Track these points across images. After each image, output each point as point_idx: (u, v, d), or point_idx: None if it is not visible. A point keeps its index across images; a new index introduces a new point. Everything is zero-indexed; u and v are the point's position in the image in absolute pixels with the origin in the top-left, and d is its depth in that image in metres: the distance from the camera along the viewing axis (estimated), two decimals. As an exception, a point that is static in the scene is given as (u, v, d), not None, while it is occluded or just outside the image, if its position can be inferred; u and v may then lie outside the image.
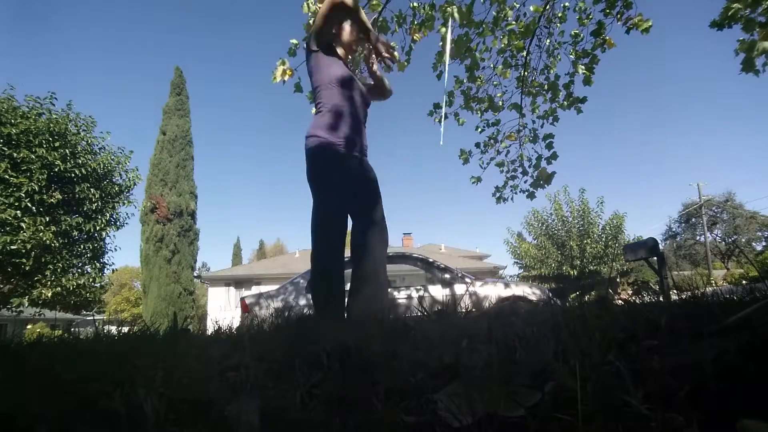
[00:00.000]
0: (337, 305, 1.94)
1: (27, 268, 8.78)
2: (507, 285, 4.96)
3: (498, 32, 4.34)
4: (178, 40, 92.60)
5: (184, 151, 19.87)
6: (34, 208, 8.78)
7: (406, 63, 4.27)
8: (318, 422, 0.59)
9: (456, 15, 3.79)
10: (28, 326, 13.26)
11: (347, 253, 2.07)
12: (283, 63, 3.72)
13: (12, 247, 8.38)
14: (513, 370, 0.62)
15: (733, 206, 33.72)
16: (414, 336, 0.95)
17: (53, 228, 9.11)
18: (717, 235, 35.25)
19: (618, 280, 17.52)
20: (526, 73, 4.61)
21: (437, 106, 4.76)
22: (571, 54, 4.34)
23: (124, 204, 11.00)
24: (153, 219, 18.45)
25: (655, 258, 3.37)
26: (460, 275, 5.14)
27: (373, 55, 2.31)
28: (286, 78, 3.76)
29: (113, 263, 11.45)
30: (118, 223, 11.02)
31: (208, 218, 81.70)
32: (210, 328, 1.81)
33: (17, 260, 8.64)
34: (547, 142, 4.60)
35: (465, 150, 4.87)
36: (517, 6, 4.28)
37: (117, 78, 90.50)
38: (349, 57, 2.36)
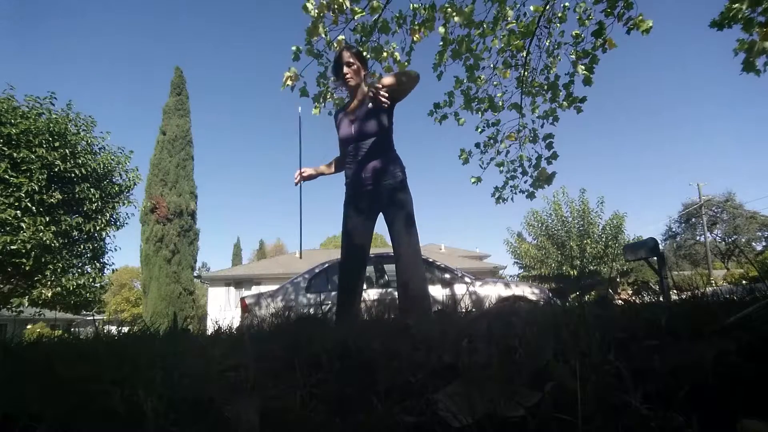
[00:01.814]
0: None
1: (27, 268, 8.77)
2: (507, 285, 4.96)
3: (498, 32, 4.34)
4: (178, 40, 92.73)
5: (184, 151, 19.85)
6: (34, 208, 8.77)
7: (406, 63, 4.27)
8: (318, 422, 0.59)
9: (456, 18, 3.80)
10: (28, 326, 13.27)
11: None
12: (294, 73, 3.77)
13: (12, 247, 8.37)
14: (513, 370, 0.62)
15: (733, 206, 33.70)
16: (414, 336, 0.95)
17: (53, 228, 9.10)
18: (717, 235, 35.26)
19: (618, 280, 17.50)
20: (526, 73, 4.61)
21: (437, 106, 4.76)
22: (571, 54, 4.34)
23: (124, 204, 10.99)
24: (153, 219, 18.43)
25: (655, 258, 3.37)
26: (460, 275, 5.14)
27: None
28: (291, 83, 3.80)
29: (113, 263, 11.45)
30: (118, 223, 11.02)
31: (208, 218, 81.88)
32: (210, 328, 1.81)
33: (17, 260, 8.63)
34: (547, 142, 4.60)
35: (465, 150, 4.87)
36: (517, 6, 4.29)
37: (117, 78, 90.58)
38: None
